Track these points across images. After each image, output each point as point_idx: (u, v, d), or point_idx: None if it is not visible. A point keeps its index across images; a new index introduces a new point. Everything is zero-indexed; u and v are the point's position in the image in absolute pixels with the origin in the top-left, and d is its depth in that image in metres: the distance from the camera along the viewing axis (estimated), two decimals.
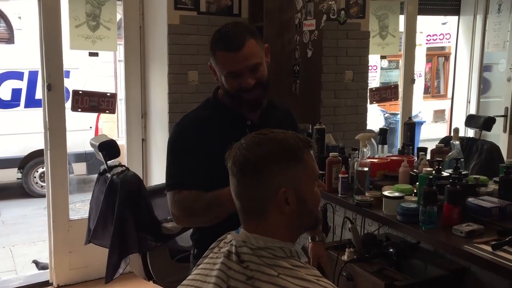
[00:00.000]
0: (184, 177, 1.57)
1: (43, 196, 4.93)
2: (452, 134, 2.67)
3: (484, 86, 4.84)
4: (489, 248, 1.74)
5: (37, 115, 4.19)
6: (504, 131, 4.39)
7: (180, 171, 1.60)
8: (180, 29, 3.53)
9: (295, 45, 3.61)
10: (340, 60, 3.74)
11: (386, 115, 8.67)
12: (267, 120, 1.64)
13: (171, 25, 3.51)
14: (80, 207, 5.78)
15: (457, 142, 2.52)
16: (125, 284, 3.53)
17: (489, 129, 3.52)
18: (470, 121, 3.80)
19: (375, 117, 7.80)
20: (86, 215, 3.09)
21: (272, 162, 1.14)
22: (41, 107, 3.63)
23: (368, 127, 4.14)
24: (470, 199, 2.09)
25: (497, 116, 4.10)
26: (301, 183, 1.16)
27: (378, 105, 7.54)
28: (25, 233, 5.32)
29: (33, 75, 6.38)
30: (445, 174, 2.21)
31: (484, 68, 4.78)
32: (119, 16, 3.87)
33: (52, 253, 3.70)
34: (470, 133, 4.14)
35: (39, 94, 4.69)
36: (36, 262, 4.16)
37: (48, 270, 3.78)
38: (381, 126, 3.87)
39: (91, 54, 3.71)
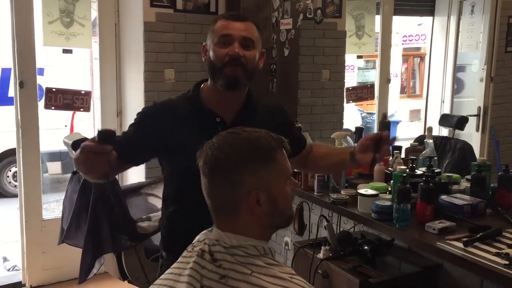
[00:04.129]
0: (124, 148, 1.54)
1: (16, 196, 4.82)
2: (426, 133, 2.71)
3: (457, 86, 4.92)
4: (460, 245, 1.77)
5: (9, 113, 4.10)
6: (477, 130, 4.47)
7: (124, 141, 1.59)
8: (156, 26, 3.50)
9: (272, 43, 3.61)
10: (317, 59, 3.77)
11: (363, 114, 8.74)
12: (241, 120, 1.53)
13: (147, 23, 3.47)
14: (55, 206, 5.66)
15: (431, 141, 2.56)
16: (99, 285, 3.48)
17: (462, 128, 3.59)
18: (444, 120, 3.86)
19: (353, 116, 7.86)
20: (60, 215, 3.03)
21: (244, 163, 1.12)
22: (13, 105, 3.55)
23: (345, 126, 4.17)
24: (443, 197, 2.12)
25: (470, 115, 4.18)
26: (273, 184, 1.15)
27: (355, 105, 7.59)
28: None
29: (5, 72, 6.24)
30: (418, 172, 2.24)
31: (458, 68, 4.85)
32: (94, 13, 3.81)
33: (25, 254, 3.63)
34: (444, 132, 4.20)
35: (12, 92, 4.59)
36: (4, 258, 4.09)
37: (21, 271, 3.70)
38: (357, 125, 3.91)
39: (65, 51, 3.65)
